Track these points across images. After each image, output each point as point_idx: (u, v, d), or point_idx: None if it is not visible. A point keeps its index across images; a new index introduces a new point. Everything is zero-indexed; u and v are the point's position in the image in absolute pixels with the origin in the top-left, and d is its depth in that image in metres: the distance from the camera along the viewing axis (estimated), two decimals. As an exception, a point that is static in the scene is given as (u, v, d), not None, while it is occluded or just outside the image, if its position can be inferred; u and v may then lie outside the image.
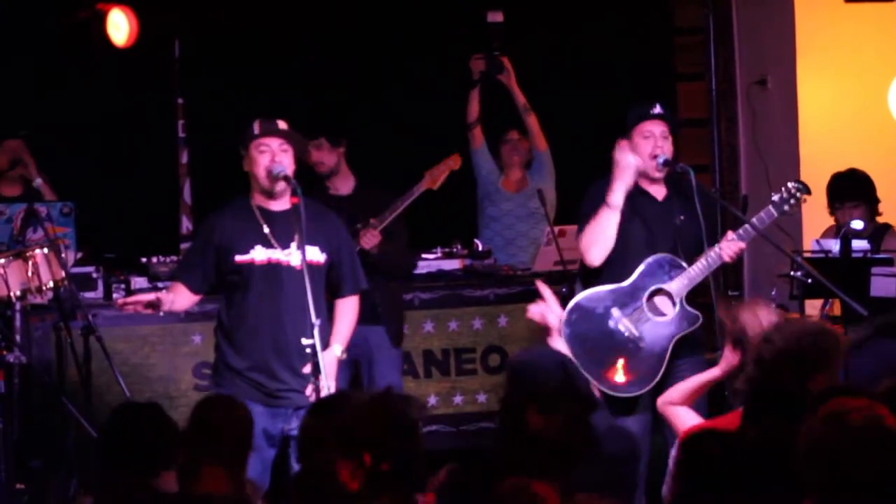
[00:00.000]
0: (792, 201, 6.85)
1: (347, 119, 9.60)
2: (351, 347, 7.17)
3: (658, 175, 6.79)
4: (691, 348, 6.75)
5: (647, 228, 6.76)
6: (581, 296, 6.74)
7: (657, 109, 6.81)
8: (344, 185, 8.00)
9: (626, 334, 6.70)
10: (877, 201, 7.98)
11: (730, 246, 6.71)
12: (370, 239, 7.82)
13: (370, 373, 7.86)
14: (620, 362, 6.67)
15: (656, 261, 6.75)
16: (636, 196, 6.79)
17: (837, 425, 3.65)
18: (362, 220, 7.83)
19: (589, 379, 6.40)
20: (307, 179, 7.55)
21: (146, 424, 4.68)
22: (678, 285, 6.72)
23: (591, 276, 6.79)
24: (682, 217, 6.76)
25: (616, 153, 6.71)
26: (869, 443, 3.60)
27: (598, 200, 6.76)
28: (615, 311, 6.71)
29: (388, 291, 7.96)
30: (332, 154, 7.98)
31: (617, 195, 6.69)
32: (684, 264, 6.72)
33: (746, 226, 6.75)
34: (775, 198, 6.84)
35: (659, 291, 6.75)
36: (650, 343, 6.70)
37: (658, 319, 6.72)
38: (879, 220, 7.97)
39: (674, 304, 6.73)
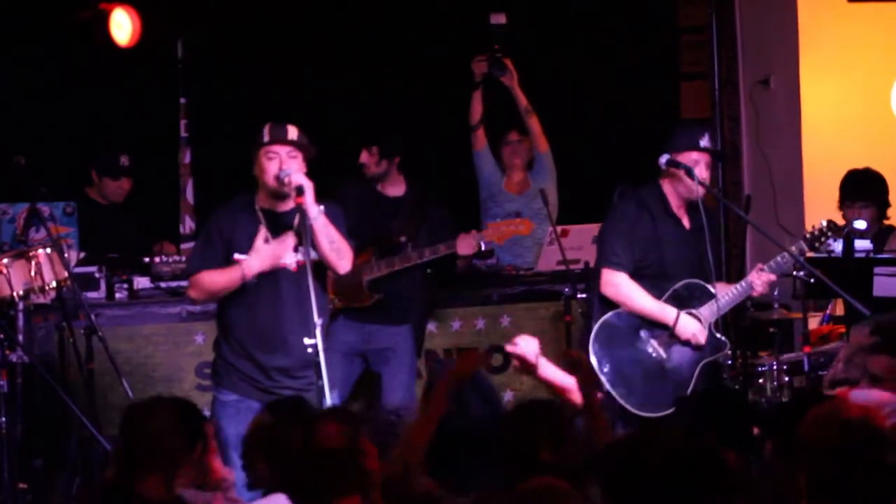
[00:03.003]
0: (823, 238, 6.94)
1: (350, 117, 9.61)
2: (365, 343, 7.49)
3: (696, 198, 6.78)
4: (712, 375, 6.81)
5: (674, 254, 6.80)
6: (610, 314, 6.77)
7: (705, 142, 6.80)
8: (394, 188, 7.96)
9: (654, 355, 6.73)
10: (887, 204, 7.97)
11: (760, 277, 6.80)
12: (469, 247, 7.79)
13: (382, 370, 7.77)
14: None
15: (685, 286, 6.80)
16: (667, 222, 6.81)
17: (829, 425, 3.67)
18: (413, 223, 7.85)
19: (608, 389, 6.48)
20: (350, 176, 7.81)
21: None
22: (709, 311, 6.78)
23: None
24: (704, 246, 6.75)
25: (695, 331, 6.73)
26: (860, 441, 3.62)
27: (635, 229, 6.74)
28: (644, 332, 6.76)
29: (428, 297, 8.01)
30: (380, 163, 7.92)
31: (662, 321, 6.72)
32: (712, 289, 6.76)
33: (777, 258, 6.86)
34: (807, 234, 6.98)
35: (689, 315, 6.77)
36: (676, 365, 6.75)
37: (686, 344, 6.75)
38: (885, 223, 7.96)
39: (703, 328, 6.77)
